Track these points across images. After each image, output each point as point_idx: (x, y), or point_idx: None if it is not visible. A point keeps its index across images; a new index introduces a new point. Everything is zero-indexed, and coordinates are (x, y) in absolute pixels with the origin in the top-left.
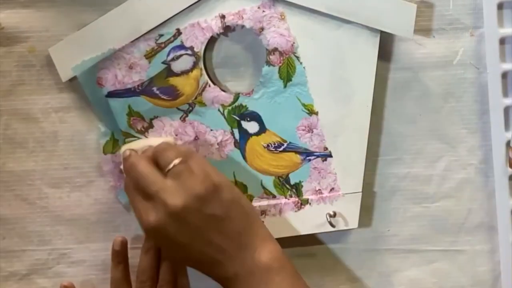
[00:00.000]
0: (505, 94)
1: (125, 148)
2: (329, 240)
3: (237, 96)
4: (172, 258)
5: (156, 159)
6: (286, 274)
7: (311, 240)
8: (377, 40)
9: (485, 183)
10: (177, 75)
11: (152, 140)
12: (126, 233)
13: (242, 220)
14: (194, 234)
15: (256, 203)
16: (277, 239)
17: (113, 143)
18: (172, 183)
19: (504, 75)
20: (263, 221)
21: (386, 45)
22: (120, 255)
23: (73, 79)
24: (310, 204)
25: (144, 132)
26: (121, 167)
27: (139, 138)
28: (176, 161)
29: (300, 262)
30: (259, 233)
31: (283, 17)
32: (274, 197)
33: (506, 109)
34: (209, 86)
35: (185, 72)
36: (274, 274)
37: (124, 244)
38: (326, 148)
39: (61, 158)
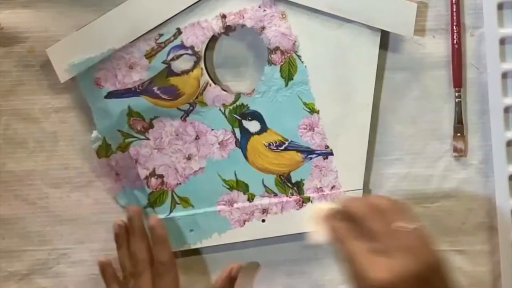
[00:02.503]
0: (505, 94)
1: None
2: None
3: (238, 96)
4: None
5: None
6: None
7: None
8: (377, 39)
9: (485, 183)
10: (177, 74)
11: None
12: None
13: None
14: None
15: (258, 202)
16: (279, 237)
17: (106, 147)
18: (416, 243)
19: (504, 75)
20: None
21: (386, 45)
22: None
23: (73, 79)
24: (311, 202)
25: (144, 132)
26: None
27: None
28: (416, 224)
29: (300, 261)
30: None
31: (284, 16)
32: (275, 195)
33: (506, 109)
34: (210, 85)
35: (185, 72)
36: None
37: (122, 227)
38: (327, 146)
39: (61, 158)
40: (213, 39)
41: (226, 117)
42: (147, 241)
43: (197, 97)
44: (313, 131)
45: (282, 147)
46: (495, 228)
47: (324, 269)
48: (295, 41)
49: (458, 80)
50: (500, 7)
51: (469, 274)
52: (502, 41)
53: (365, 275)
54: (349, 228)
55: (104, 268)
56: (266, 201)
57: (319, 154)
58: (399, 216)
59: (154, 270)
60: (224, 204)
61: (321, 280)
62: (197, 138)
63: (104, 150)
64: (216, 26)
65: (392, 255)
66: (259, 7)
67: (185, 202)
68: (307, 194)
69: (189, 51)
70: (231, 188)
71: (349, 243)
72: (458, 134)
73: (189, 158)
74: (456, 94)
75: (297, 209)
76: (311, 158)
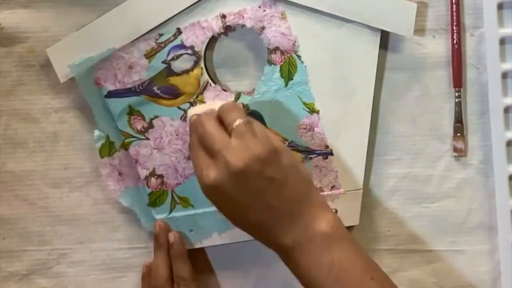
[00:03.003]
0: (505, 94)
1: (191, 113)
2: None
3: (238, 95)
4: (229, 218)
5: (221, 118)
6: (346, 242)
7: None
8: (377, 39)
9: (485, 183)
10: (177, 74)
11: (217, 104)
12: (126, 233)
13: (300, 186)
14: (253, 195)
15: None
16: None
17: (109, 145)
18: (235, 142)
19: (504, 75)
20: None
21: (386, 45)
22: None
23: (73, 79)
24: None
25: (144, 132)
26: (187, 129)
27: (142, 138)
28: (240, 121)
29: None
30: (316, 201)
31: (284, 16)
32: None
33: (506, 109)
34: (210, 85)
35: (185, 72)
36: (334, 241)
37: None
38: (327, 147)
39: (61, 158)
40: (213, 39)
41: None
42: (169, 257)
43: (197, 97)
44: (313, 131)
45: None
46: (495, 228)
47: None
48: (295, 41)
49: (458, 80)
50: (500, 7)
51: (469, 274)
52: (502, 41)
53: (199, 178)
54: (198, 139)
55: (146, 274)
56: None
57: (319, 154)
58: (228, 117)
59: (175, 285)
60: None
61: None
62: None
63: (107, 149)
64: (216, 26)
65: (215, 157)
66: (259, 7)
67: (185, 202)
68: None
69: (189, 51)
70: None
71: (193, 150)
72: (458, 134)
73: (189, 158)
74: (456, 94)
75: None
76: (311, 158)
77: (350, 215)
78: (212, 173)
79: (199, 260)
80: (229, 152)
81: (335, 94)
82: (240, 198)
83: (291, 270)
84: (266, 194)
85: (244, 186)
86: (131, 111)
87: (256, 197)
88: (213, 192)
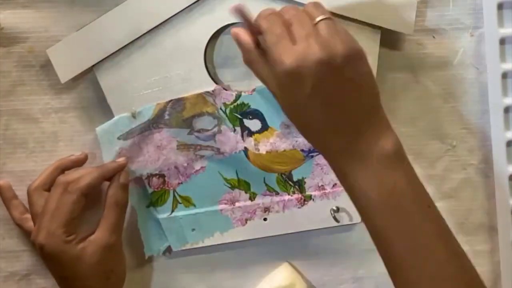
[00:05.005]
0: (505, 94)
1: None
2: (330, 239)
3: (239, 95)
4: (299, 112)
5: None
6: (407, 166)
7: (312, 239)
8: (378, 36)
9: (485, 183)
10: None
11: None
12: (125, 233)
13: (373, 97)
14: (330, 92)
15: (259, 200)
16: (280, 236)
17: None
18: (324, 32)
19: (504, 75)
20: None
21: (386, 45)
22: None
23: (73, 80)
24: (313, 200)
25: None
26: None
27: None
28: (324, 16)
29: (300, 261)
30: (383, 117)
31: None
32: (277, 194)
33: (506, 109)
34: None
35: None
36: (397, 163)
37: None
38: None
39: None
40: (214, 37)
41: (227, 116)
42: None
43: None
44: None
45: None
46: (495, 228)
47: (324, 269)
48: None
49: None
50: (500, 7)
51: None
52: (502, 41)
53: (275, 61)
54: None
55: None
56: (267, 199)
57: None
58: (312, 12)
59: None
60: (225, 203)
61: (321, 280)
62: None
63: None
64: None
65: (298, 43)
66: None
67: (187, 202)
68: (308, 192)
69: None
70: (232, 187)
71: (268, 34)
72: None
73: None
74: None
75: (299, 208)
76: (312, 156)
77: (352, 212)
78: (291, 58)
79: (200, 259)
80: (318, 40)
81: None
82: (317, 91)
83: (346, 186)
84: (345, 93)
85: (324, 80)
86: (133, 114)
87: (333, 94)
88: (290, 81)
